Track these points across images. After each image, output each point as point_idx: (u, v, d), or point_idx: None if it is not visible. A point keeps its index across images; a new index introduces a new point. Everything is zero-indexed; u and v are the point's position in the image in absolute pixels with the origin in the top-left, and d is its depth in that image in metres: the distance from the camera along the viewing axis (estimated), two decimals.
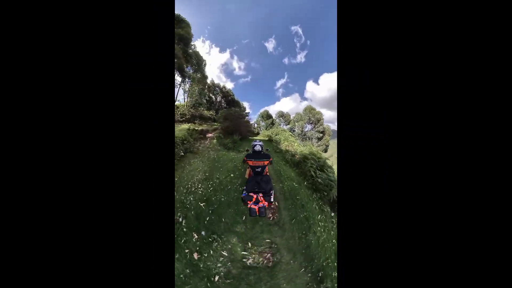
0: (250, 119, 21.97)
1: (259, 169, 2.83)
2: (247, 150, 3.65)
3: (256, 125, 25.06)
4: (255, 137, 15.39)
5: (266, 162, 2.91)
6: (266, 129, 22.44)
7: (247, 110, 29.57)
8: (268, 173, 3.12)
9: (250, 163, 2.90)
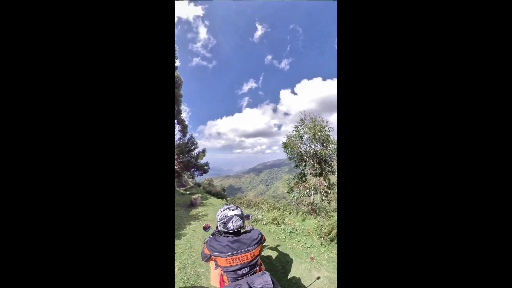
0: (192, 148, 13.35)
1: (244, 270, 1.34)
2: (208, 227, 1.94)
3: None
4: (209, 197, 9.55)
5: (257, 250, 1.40)
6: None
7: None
8: (263, 268, 1.63)
9: (222, 261, 1.32)
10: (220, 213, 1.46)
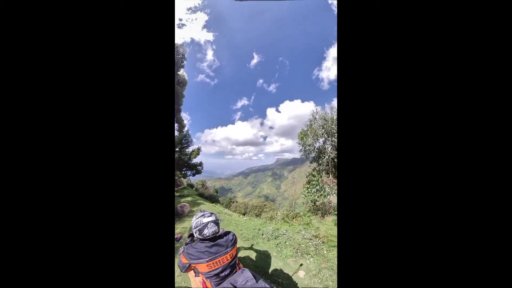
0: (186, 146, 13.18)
1: (226, 271, 1.37)
2: (179, 238, 2.10)
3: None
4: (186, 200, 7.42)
5: (234, 250, 1.47)
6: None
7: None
8: (241, 266, 1.56)
9: (203, 267, 1.32)
10: (195, 220, 1.45)
